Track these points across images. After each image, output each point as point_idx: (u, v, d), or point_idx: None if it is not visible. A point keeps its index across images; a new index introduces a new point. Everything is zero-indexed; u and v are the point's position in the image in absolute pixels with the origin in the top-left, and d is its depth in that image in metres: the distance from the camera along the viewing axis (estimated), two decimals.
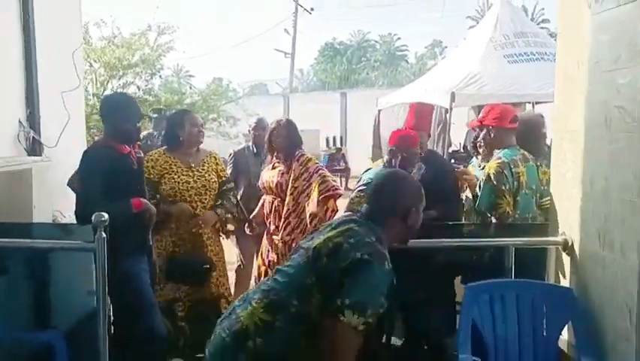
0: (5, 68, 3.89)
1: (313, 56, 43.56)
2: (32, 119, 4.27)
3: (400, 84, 18.27)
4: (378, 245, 1.76)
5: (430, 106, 3.78)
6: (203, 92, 17.26)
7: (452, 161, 6.66)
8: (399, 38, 42.23)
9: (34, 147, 4.24)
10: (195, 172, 3.60)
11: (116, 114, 2.94)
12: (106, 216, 2.56)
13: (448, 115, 7.14)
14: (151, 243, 3.19)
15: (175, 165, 3.57)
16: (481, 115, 3.45)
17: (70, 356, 2.57)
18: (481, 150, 3.43)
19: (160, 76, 17.11)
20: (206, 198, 3.60)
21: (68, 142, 4.58)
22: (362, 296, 1.60)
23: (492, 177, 3.01)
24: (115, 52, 13.82)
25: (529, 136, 3.35)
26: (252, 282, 4.19)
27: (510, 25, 8.10)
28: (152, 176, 3.50)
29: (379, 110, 9.23)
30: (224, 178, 3.76)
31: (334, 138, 16.48)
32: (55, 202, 3.81)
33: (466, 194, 3.44)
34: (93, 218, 2.56)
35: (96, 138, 6.63)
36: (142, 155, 3.19)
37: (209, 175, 3.64)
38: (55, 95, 4.51)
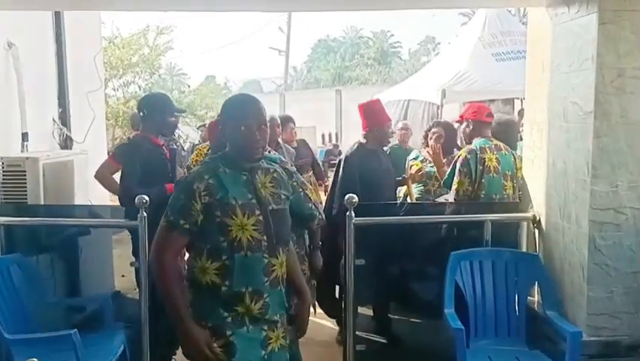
0: (42, 74, 4.37)
1: (307, 53, 43.97)
2: (64, 117, 4.77)
3: (394, 81, 18.69)
4: (202, 167, 2.05)
5: (375, 101, 4.20)
6: (201, 91, 17.66)
7: None
8: (392, 35, 42.58)
9: (66, 142, 4.73)
10: None
11: (152, 110, 3.38)
12: (147, 198, 3.01)
13: (439, 111, 7.60)
14: None
15: None
16: (462, 111, 3.98)
17: (117, 315, 3.06)
18: (459, 141, 4.00)
19: (159, 75, 17.51)
20: None
21: (92, 137, 5.08)
22: (168, 204, 2.01)
23: (458, 161, 3.54)
24: (115, 52, 14.12)
25: (506, 135, 3.86)
26: None
27: (498, 24, 8.52)
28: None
29: None
30: None
31: (330, 135, 16.95)
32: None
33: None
34: (136, 200, 3.01)
35: None
36: (175, 147, 3.64)
37: None
38: (81, 96, 4.99)
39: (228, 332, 1.94)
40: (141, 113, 3.40)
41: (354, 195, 3.23)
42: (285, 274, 2.07)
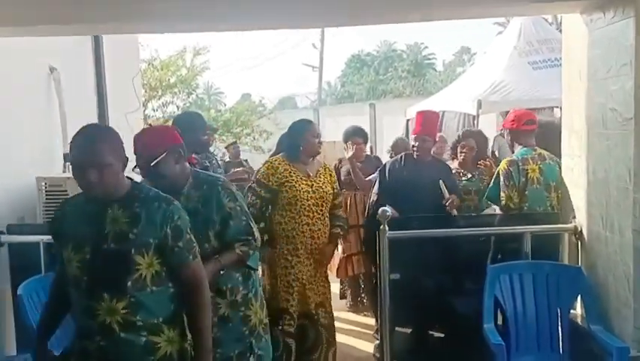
0: (83, 96, 4.52)
1: (340, 68, 44.17)
2: None
3: (429, 92, 18.54)
4: (71, 197, 2.13)
5: (436, 114, 4.22)
6: (237, 109, 17.95)
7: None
8: (426, 47, 42.32)
9: None
10: (313, 182, 3.57)
11: (185, 129, 3.43)
12: None
13: (475, 122, 7.50)
14: None
15: (294, 174, 3.53)
16: (502, 120, 3.91)
17: None
18: (496, 151, 3.92)
19: (197, 95, 17.91)
20: (322, 210, 3.56)
21: (132, 156, 5.19)
22: None
23: (500, 173, 3.46)
24: (154, 73, 14.53)
25: (547, 137, 3.75)
26: None
27: (533, 32, 8.38)
28: (271, 183, 3.48)
29: (408, 120, 9.60)
30: (335, 190, 3.71)
31: (371, 148, 16.88)
32: None
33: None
34: None
35: None
36: (207, 165, 3.68)
37: (326, 186, 3.60)
38: (120, 116, 5.14)
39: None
40: None
41: (387, 209, 3.20)
42: (132, 323, 1.82)
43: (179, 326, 1.91)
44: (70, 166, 1.86)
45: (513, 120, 3.62)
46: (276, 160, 3.63)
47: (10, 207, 3.59)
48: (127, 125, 5.17)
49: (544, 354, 2.98)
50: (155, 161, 2.33)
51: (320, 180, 3.61)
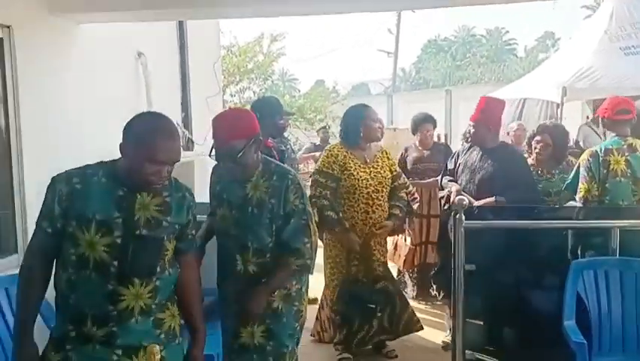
0: (168, 81, 4.71)
1: (416, 54, 43.38)
2: (186, 121, 5.12)
3: (509, 79, 17.85)
4: (77, 169, 1.86)
5: (500, 102, 3.97)
6: (310, 95, 18.10)
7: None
8: (507, 32, 40.79)
9: (188, 144, 5.07)
10: (371, 168, 3.53)
11: (262, 113, 3.50)
12: None
13: (559, 110, 7.15)
14: None
15: (352, 161, 3.51)
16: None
17: None
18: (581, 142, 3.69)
19: (272, 81, 18.21)
20: (382, 196, 3.53)
21: (211, 140, 5.37)
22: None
23: (580, 165, 3.29)
24: (233, 60, 14.91)
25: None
26: None
27: (627, 15, 7.86)
28: (335, 172, 3.48)
29: None
30: (394, 173, 3.67)
31: (439, 136, 16.53)
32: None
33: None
34: None
35: None
36: (284, 149, 3.74)
37: (384, 171, 3.56)
38: (201, 101, 5.32)
39: (68, 346, 1.79)
40: None
41: (464, 198, 3.13)
42: (149, 306, 1.82)
43: (175, 302, 1.96)
44: (148, 163, 1.77)
45: (607, 108, 3.41)
46: (334, 148, 3.63)
47: None
48: (207, 110, 5.37)
49: (630, 355, 2.82)
50: (242, 152, 2.28)
51: (378, 166, 3.58)
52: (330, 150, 3.61)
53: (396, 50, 25.59)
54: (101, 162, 1.90)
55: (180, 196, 1.91)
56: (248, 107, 4.95)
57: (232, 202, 2.42)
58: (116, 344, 1.78)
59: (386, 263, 3.81)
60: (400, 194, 3.66)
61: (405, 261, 4.74)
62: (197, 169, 4.12)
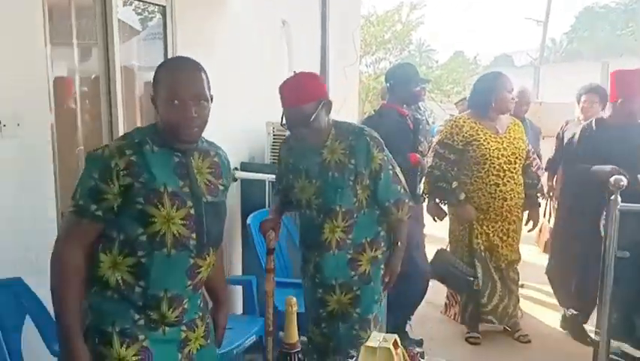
0: (309, 48, 4.82)
1: (569, 23, 39.80)
2: None
3: None
4: (123, 141, 1.63)
5: (633, 72, 3.45)
6: (448, 65, 17.49)
7: None
8: None
9: None
10: (504, 139, 3.41)
11: (398, 80, 3.44)
12: None
13: None
14: (419, 192, 3.63)
15: (482, 132, 3.40)
16: None
17: None
18: None
19: (409, 51, 17.87)
20: (515, 167, 3.42)
21: (346, 109, 5.42)
22: (77, 184, 1.61)
23: None
24: (370, 29, 14.83)
25: None
26: None
27: None
28: (456, 143, 3.42)
29: None
30: (527, 147, 3.56)
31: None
32: None
33: None
34: None
35: None
36: (419, 117, 3.66)
37: (518, 142, 3.44)
38: (338, 69, 5.37)
39: (141, 336, 1.62)
40: (388, 84, 3.50)
41: (622, 178, 2.83)
42: (206, 276, 1.74)
43: None
44: (177, 101, 1.60)
45: None
46: (460, 119, 3.51)
47: (246, 145, 4.02)
48: (344, 78, 5.41)
49: None
50: (314, 116, 2.21)
51: (511, 136, 3.43)
52: (455, 121, 3.51)
53: (546, 18, 23.71)
54: (138, 128, 1.73)
55: (224, 156, 1.82)
56: (383, 78, 4.89)
57: (310, 171, 2.35)
58: (182, 322, 1.69)
59: (516, 245, 3.60)
60: (529, 171, 3.54)
61: (545, 245, 4.45)
62: None
